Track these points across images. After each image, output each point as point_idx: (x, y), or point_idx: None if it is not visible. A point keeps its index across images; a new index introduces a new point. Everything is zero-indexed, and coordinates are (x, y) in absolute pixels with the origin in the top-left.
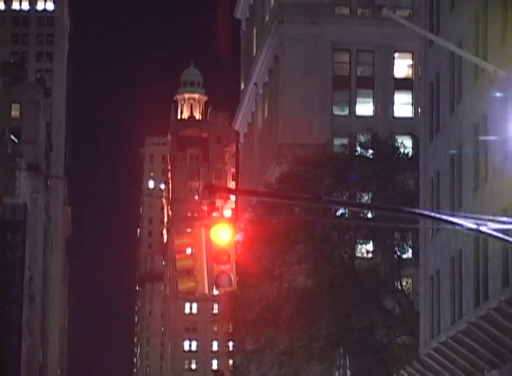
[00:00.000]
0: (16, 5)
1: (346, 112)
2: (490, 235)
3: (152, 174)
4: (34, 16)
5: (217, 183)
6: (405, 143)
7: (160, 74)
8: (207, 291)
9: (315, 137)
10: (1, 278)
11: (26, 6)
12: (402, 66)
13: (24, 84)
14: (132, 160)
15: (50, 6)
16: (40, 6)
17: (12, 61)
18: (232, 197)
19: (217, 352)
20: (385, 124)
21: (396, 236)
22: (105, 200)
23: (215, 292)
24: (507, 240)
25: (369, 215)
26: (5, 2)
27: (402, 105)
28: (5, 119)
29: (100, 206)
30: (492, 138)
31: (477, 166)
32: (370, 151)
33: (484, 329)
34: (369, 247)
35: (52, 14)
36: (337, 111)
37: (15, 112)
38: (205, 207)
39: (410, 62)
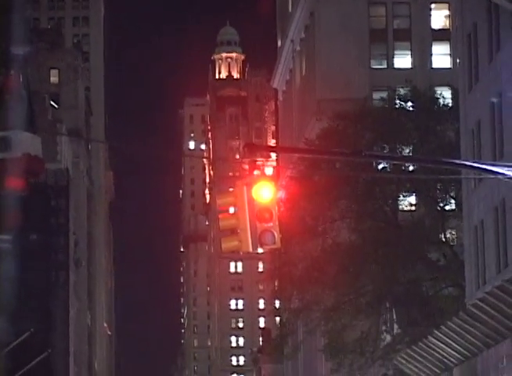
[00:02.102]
0: None
1: (384, 65)
2: None
3: (192, 134)
4: None
5: (257, 142)
6: (445, 94)
7: (197, 34)
8: (251, 250)
9: (353, 92)
10: (47, 243)
11: None
12: (439, 17)
13: (62, 49)
14: (172, 122)
15: None
16: None
17: (49, 27)
18: (273, 155)
19: (263, 310)
20: (424, 75)
21: (439, 187)
22: (146, 162)
23: (259, 250)
24: None
25: (411, 168)
26: None
27: (440, 56)
28: (44, 85)
29: (142, 169)
30: None
31: None
32: (410, 104)
33: None
34: (412, 200)
35: None
36: (375, 65)
37: (53, 78)
38: (246, 166)
39: (447, 12)
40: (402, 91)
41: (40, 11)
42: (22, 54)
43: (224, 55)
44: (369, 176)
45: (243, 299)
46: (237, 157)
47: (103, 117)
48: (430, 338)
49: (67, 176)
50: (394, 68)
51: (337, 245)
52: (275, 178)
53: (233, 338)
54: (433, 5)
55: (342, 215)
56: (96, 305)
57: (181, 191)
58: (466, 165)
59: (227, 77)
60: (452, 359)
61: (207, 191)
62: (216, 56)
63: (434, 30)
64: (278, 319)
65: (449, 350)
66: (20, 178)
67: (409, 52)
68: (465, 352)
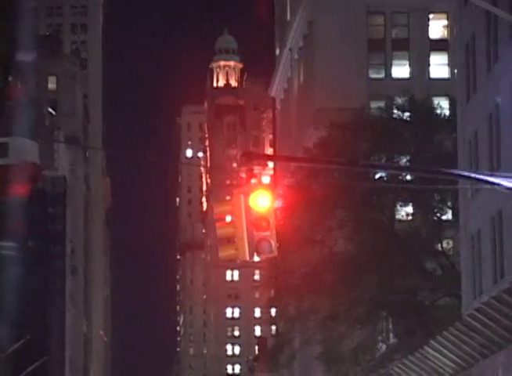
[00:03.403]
0: None
1: (382, 75)
2: None
3: (189, 142)
4: None
5: (254, 150)
6: (442, 105)
7: (195, 42)
8: (248, 258)
9: (351, 101)
10: (44, 251)
11: None
12: (437, 27)
13: (60, 56)
14: (170, 130)
15: None
16: None
17: (48, 34)
18: (271, 164)
19: (259, 318)
20: (422, 85)
21: (435, 197)
22: (143, 170)
23: (256, 259)
24: None
25: (408, 178)
26: None
27: (438, 66)
28: (42, 92)
29: (139, 176)
30: None
31: None
32: (407, 113)
33: None
34: (409, 209)
35: None
36: (373, 74)
37: (51, 85)
38: (243, 175)
39: (445, 22)
40: (399, 101)
41: (38, 17)
42: (27, 61)
43: (222, 63)
44: (366, 186)
45: (239, 307)
46: (234, 165)
47: (101, 125)
48: (427, 347)
49: (65, 183)
50: (392, 78)
51: (334, 254)
52: (273, 186)
53: (229, 347)
54: (431, 15)
55: (339, 224)
56: (93, 313)
57: (178, 199)
58: (463, 175)
59: (225, 85)
60: (448, 370)
61: (204, 199)
62: (214, 65)
63: (432, 40)
64: (274, 327)
65: (445, 360)
66: (23, 184)
67: (407, 62)
68: (461, 363)
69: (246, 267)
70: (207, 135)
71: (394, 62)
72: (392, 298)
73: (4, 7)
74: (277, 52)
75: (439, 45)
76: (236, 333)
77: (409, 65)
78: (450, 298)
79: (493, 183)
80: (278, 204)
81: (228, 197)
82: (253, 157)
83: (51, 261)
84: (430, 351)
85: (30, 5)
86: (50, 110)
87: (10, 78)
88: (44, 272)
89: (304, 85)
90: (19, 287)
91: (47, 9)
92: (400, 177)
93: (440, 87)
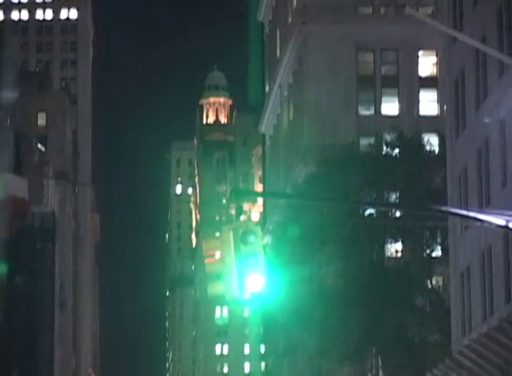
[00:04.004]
0: (39, 15)
1: (371, 111)
2: None
3: (179, 178)
4: (57, 24)
5: (244, 186)
6: (432, 141)
7: (185, 78)
8: (237, 295)
9: (341, 137)
10: (32, 286)
11: (49, 15)
12: (427, 64)
13: (49, 92)
14: (159, 166)
15: (73, 14)
16: (63, 15)
17: (37, 70)
18: (260, 200)
19: (249, 355)
20: (411, 122)
21: (425, 234)
22: (133, 205)
23: (245, 295)
24: None
25: (398, 214)
26: (29, 11)
27: (428, 103)
28: (32, 128)
29: (128, 212)
30: None
31: (504, 162)
32: (397, 150)
33: None
34: (399, 245)
35: (76, 22)
36: (362, 111)
37: (41, 121)
38: (233, 211)
39: (435, 59)
40: (388, 137)
41: (28, 53)
42: (11, 98)
43: (212, 99)
44: (355, 222)
45: (228, 344)
46: (224, 201)
47: (90, 160)
48: None
49: (53, 219)
50: (382, 114)
51: (323, 290)
52: (262, 222)
53: None
54: (420, 52)
55: (328, 260)
56: (81, 349)
57: (167, 235)
58: (452, 212)
59: (214, 121)
60: None
61: (193, 235)
62: (204, 101)
63: (421, 77)
64: (263, 364)
65: None
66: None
67: (397, 99)
68: None
69: (235, 303)
70: (196, 172)
71: (383, 98)
72: (381, 335)
73: None
74: (267, 88)
75: (428, 82)
76: (226, 370)
77: (399, 101)
78: (440, 335)
79: (483, 220)
80: (267, 240)
81: (217, 234)
82: (242, 194)
83: (39, 296)
84: None
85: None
86: (39, 145)
87: None
88: (32, 307)
89: (293, 121)
90: (6, 322)
91: (37, 45)
92: (390, 213)
93: (429, 123)
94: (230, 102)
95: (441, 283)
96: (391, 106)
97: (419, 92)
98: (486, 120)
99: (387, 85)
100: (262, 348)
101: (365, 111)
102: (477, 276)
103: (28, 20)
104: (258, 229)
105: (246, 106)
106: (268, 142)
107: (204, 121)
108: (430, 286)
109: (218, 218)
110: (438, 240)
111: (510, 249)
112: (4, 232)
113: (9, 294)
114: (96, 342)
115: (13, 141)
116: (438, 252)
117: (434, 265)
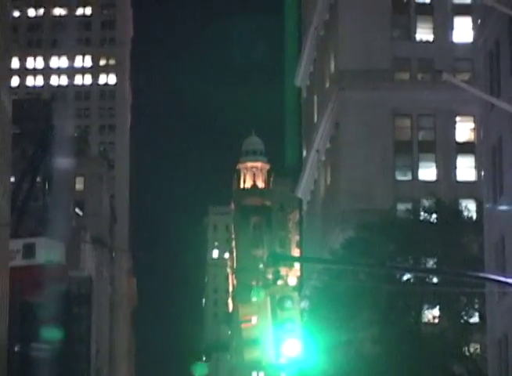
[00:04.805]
0: (78, 80)
1: (409, 177)
2: None
3: (216, 243)
4: (95, 89)
5: (281, 251)
6: (469, 207)
7: (222, 143)
8: (273, 360)
9: (378, 202)
10: (68, 352)
11: (88, 80)
12: (464, 130)
13: (88, 157)
14: (196, 230)
15: (112, 80)
16: (102, 80)
17: (76, 135)
18: (297, 265)
19: None
20: (448, 188)
21: (462, 300)
22: (170, 270)
23: (282, 360)
24: None
25: (435, 280)
26: (68, 77)
27: (465, 168)
28: (70, 192)
29: (165, 276)
30: None
31: None
32: (434, 215)
33: None
34: (436, 312)
35: (114, 87)
36: (399, 176)
37: (79, 185)
38: (270, 276)
39: (472, 125)
40: (426, 203)
41: (67, 119)
42: (64, 167)
43: (249, 164)
44: (392, 288)
45: None
46: (261, 266)
47: (127, 225)
48: None
49: (90, 284)
50: (419, 180)
51: (360, 355)
52: (299, 287)
53: None
54: (458, 118)
55: (365, 326)
56: None
57: (204, 300)
58: (490, 279)
59: (251, 186)
60: None
61: (229, 300)
62: (241, 166)
63: (458, 142)
64: None
65: None
66: (39, 286)
67: (434, 164)
68: None
69: (272, 368)
70: (233, 236)
71: (420, 164)
72: None
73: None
74: (304, 153)
75: (466, 148)
76: None
77: (436, 167)
78: None
79: None
80: (304, 304)
81: (254, 299)
82: (279, 258)
83: (75, 362)
84: None
85: (62, 110)
86: (77, 210)
87: (38, 179)
88: (68, 374)
89: (330, 186)
90: None
91: (76, 111)
92: (427, 279)
93: (467, 189)
94: (267, 166)
95: (478, 350)
96: (428, 172)
97: (456, 158)
98: None
99: (425, 151)
100: None
101: (403, 176)
102: None
103: (67, 86)
104: (295, 293)
105: (284, 170)
106: (305, 207)
107: (241, 186)
108: (467, 353)
109: (254, 282)
110: (476, 306)
111: None
112: (41, 296)
113: (50, 360)
114: None
115: (52, 206)
116: (475, 319)
117: (471, 331)
